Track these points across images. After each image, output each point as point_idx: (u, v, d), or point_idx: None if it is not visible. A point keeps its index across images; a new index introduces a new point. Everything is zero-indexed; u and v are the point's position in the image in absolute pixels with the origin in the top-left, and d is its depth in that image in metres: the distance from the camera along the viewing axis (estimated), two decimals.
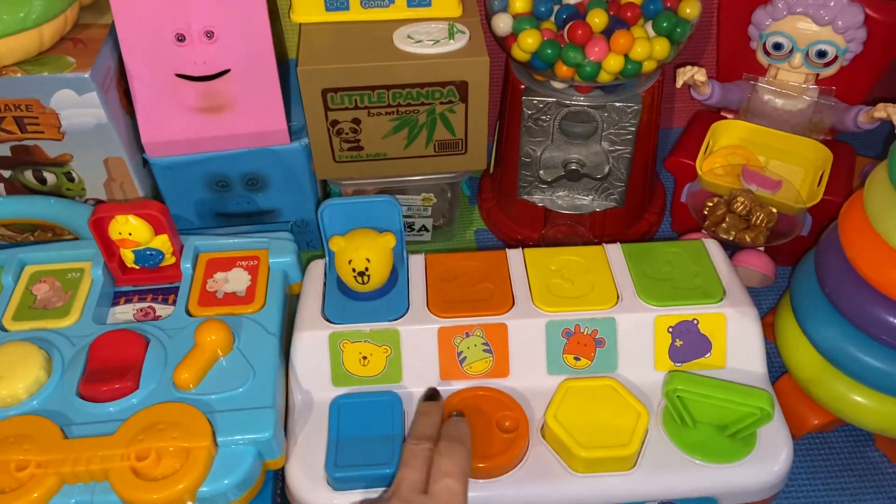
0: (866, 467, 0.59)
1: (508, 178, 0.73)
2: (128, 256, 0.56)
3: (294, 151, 0.66)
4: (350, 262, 0.53)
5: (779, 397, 0.59)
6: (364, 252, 0.53)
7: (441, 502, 0.42)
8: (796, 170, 0.67)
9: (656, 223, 0.76)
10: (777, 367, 0.63)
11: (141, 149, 0.64)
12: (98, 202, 0.66)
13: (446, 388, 0.53)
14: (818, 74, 0.67)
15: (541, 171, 0.69)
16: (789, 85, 0.67)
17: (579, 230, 0.72)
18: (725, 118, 0.72)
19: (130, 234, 0.55)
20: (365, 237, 0.54)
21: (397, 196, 0.72)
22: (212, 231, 0.63)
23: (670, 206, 0.77)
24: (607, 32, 0.59)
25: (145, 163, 0.66)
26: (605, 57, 0.59)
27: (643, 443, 0.50)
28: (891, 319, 0.50)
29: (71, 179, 0.64)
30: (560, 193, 0.71)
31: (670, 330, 0.54)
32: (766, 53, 0.68)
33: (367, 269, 0.53)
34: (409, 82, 0.61)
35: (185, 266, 0.57)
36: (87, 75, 0.57)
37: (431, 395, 0.52)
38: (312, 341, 0.53)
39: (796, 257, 0.69)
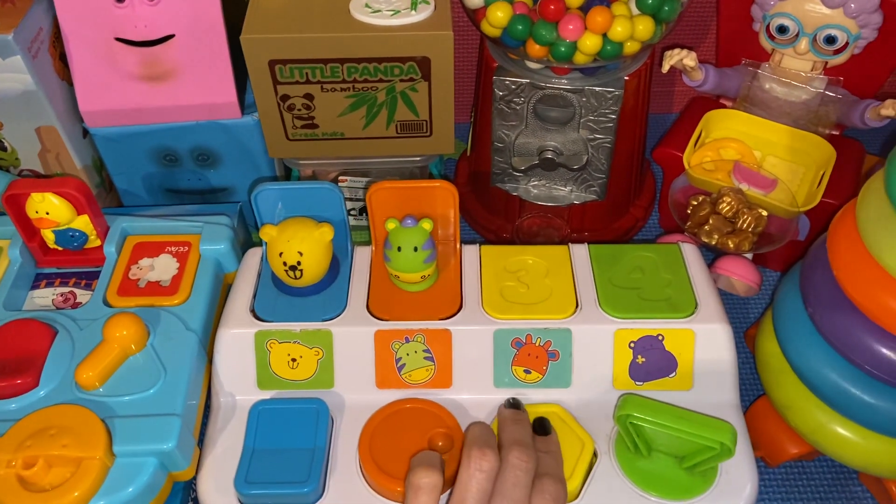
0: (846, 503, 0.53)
1: (482, 164, 0.67)
2: (48, 237, 0.52)
3: (246, 126, 0.61)
4: (281, 254, 0.48)
5: (755, 421, 0.54)
6: (296, 244, 0.48)
7: None
8: (795, 168, 0.60)
9: (642, 219, 0.70)
10: (758, 387, 0.57)
11: (80, 118, 0.59)
12: (36, 174, 0.61)
13: (382, 398, 0.49)
14: (826, 63, 0.60)
15: (514, 158, 0.63)
16: (793, 73, 0.60)
17: (556, 223, 0.66)
18: (725, 106, 0.65)
19: (48, 213, 0.50)
20: (298, 228, 0.49)
21: (360, 179, 0.67)
22: (152, 210, 0.58)
23: (659, 201, 0.71)
24: (585, 8, 0.53)
25: (86, 133, 0.61)
26: (581, 36, 0.53)
27: (587, 476, 0.45)
28: (877, 348, 0.44)
29: (3, 148, 0.59)
30: (535, 183, 0.65)
31: (632, 345, 0.48)
32: (770, 37, 0.61)
33: (299, 262, 0.48)
34: (365, 56, 0.55)
35: (109, 250, 0.52)
36: (9, 37, 0.52)
37: (514, 404, 0.48)
38: (237, 339, 0.49)
39: (790, 264, 0.63)
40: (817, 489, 0.54)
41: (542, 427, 0.46)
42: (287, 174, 0.69)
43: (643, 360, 0.48)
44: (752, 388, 0.59)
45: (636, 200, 0.70)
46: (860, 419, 0.47)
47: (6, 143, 0.59)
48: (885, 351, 0.44)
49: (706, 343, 0.48)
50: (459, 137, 0.78)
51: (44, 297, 0.52)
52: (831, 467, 0.55)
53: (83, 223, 0.52)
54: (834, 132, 0.62)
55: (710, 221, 0.57)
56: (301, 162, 0.64)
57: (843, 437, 0.49)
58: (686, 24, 0.72)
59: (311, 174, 0.66)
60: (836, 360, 0.47)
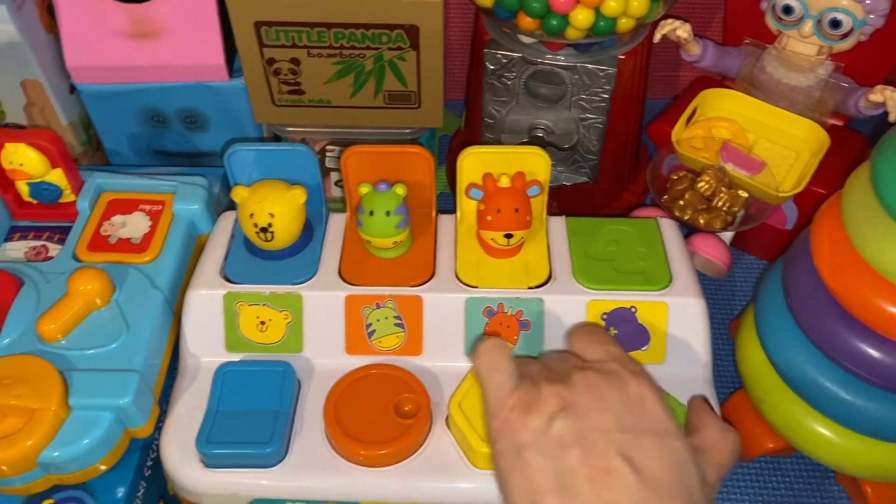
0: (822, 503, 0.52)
1: (474, 139, 0.66)
2: (23, 189, 0.52)
3: (233, 90, 0.61)
4: (252, 215, 0.47)
5: (731, 414, 0.53)
6: (268, 206, 0.47)
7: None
8: (787, 153, 0.58)
9: (637, 204, 0.69)
10: (738, 379, 0.56)
11: (67, 73, 0.59)
12: (18, 127, 0.61)
13: (352, 364, 0.48)
14: (832, 48, 0.58)
15: (504, 135, 0.62)
16: (795, 55, 0.58)
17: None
18: (727, 86, 0.63)
19: (22, 165, 0.50)
20: (270, 189, 0.48)
21: None
22: (135, 170, 0.57)
23: None
24: None
25: (73, 89, 0.61)
26: (572, 9, 0.51)
27: None
28: (856, 344, 0.42)
29: None
30: None
31: (604, 317, 0.47)
32: (777, 18, 0.59)
33: (270, 224, 0.47)
34: (352, 21, 0.54)
35: (83, 204, 0.52)
36: None
37: None
38: (205, 301, 0.48)
39: (774, 252, 0.62)
40: (792, 486, 0.53)
41: None
42: (275, 139, 0.68)
43: (615, 331, 0.47)
44: (732, 381, 0.57)
45: (630, 185, 0.69)
46: (837, 417, 0.45)
47: None
48: (864, 347, 0.42)
49: (679, 316, 0.47)
50: (456, 114, 0.77)
51: (16, 249, 0.52)
52: (808, 465, 0.53)
53: (57, 177, 0.51)
54: (837, 122, 0.60)
55: (686, 197, 0.55)
56: (288, 129, 0.64)
57: (818, 435, 0.47)
58: (694, 2, 0.70)
59: (299, 142, 0.65)
60: (815, 354, 0.45)
